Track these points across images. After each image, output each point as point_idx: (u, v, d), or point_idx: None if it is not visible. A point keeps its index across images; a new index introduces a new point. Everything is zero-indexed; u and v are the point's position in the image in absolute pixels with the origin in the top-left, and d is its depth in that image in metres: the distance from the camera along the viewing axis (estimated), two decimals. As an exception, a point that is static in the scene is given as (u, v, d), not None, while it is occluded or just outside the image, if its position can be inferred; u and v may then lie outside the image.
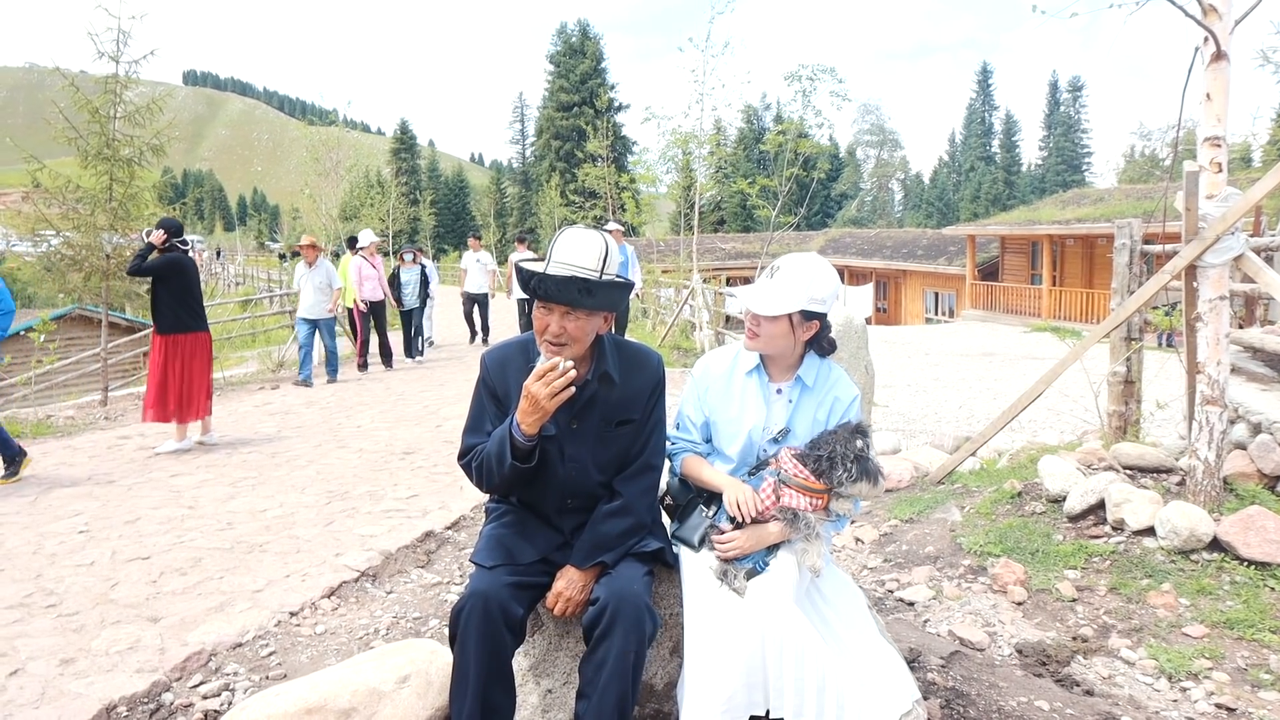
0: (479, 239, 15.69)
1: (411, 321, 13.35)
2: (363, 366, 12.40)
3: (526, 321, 11.22)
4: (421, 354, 13.48)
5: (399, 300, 13.13)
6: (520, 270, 2.38)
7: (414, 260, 13.53)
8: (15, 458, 6.15)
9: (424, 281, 13.38)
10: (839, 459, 2.39)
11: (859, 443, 2.41)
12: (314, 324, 10.95)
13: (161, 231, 7.00)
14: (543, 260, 2.39)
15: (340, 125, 30.38)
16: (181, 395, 6.97)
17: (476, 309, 15.29)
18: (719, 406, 2.65)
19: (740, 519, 2.45)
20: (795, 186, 19.76)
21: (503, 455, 2.35)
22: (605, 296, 2.34)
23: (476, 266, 15.02)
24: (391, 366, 12.56)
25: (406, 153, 76.20)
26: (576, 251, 2.34)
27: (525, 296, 9.69)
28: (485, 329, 15.33)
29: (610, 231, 11.94)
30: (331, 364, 11.34)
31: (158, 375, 6.97)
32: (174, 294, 6.98)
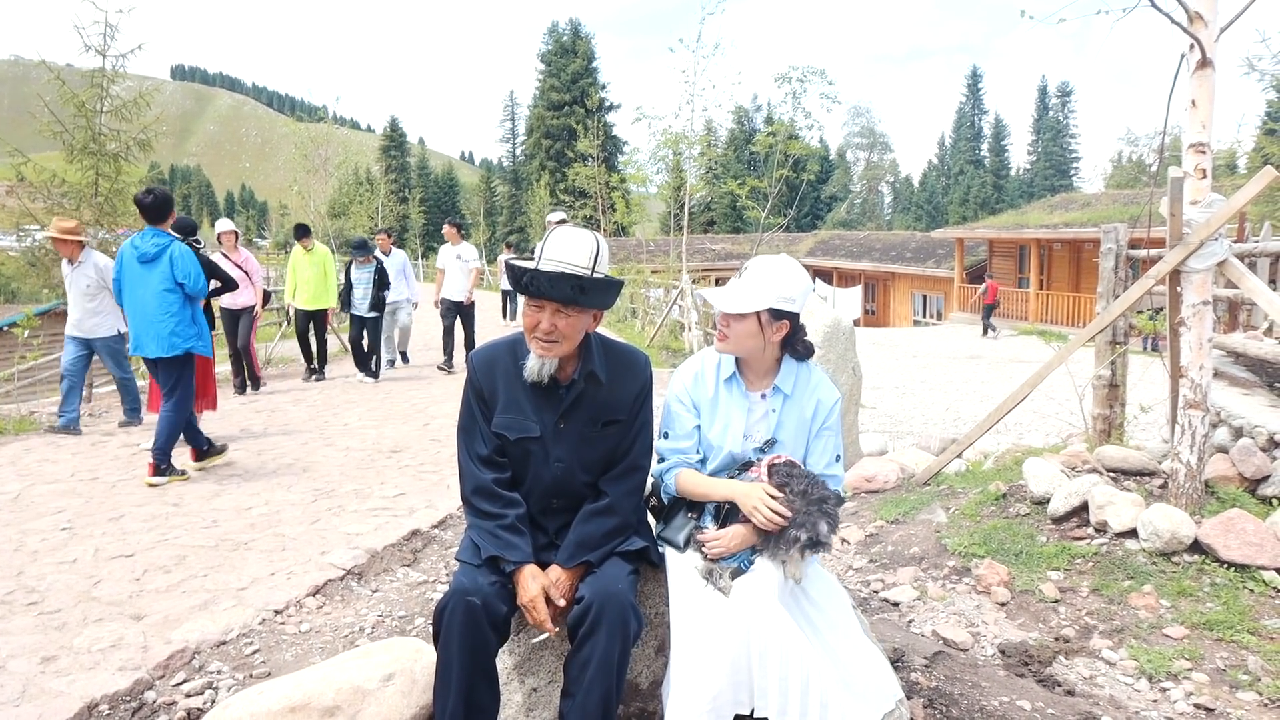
0: (459, 228, 11.96)
1: (365, 333, 10.82)
2: (240, 388, 9.97)
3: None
4: (376, 376, 10.95)
5: (346, 304, 10.84)
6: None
7: (368, 258, 10.83)
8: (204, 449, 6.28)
9: (379, 284, 10.73)
10: (798, 525, 2.37)
11: (821, 531, 2.37)
12: (87, 344, 7.61)
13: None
14: (531, 258, 2.40)
15: (329, 122, 30.18)
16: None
17: (459, 322, 11.60)
18: (702, 417, 2.65)
19: (772, 524, 2.38)
20: (785, 188, 19.81)
21: (486, 551, 2.42)
22: (597, 294, 2.37)
23: (456, 265, 11.41)
24: (245, 392, 9.99)
25: (396, 150, 76.01)
26: (568, 249, 2.35)
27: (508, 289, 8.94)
28: (470, 345, 11.50)
29: (560, 223, 10.78)
30: (128, 399, 8.03)
31: None
32: None
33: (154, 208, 5.90)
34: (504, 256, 19.56)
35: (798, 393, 2.61)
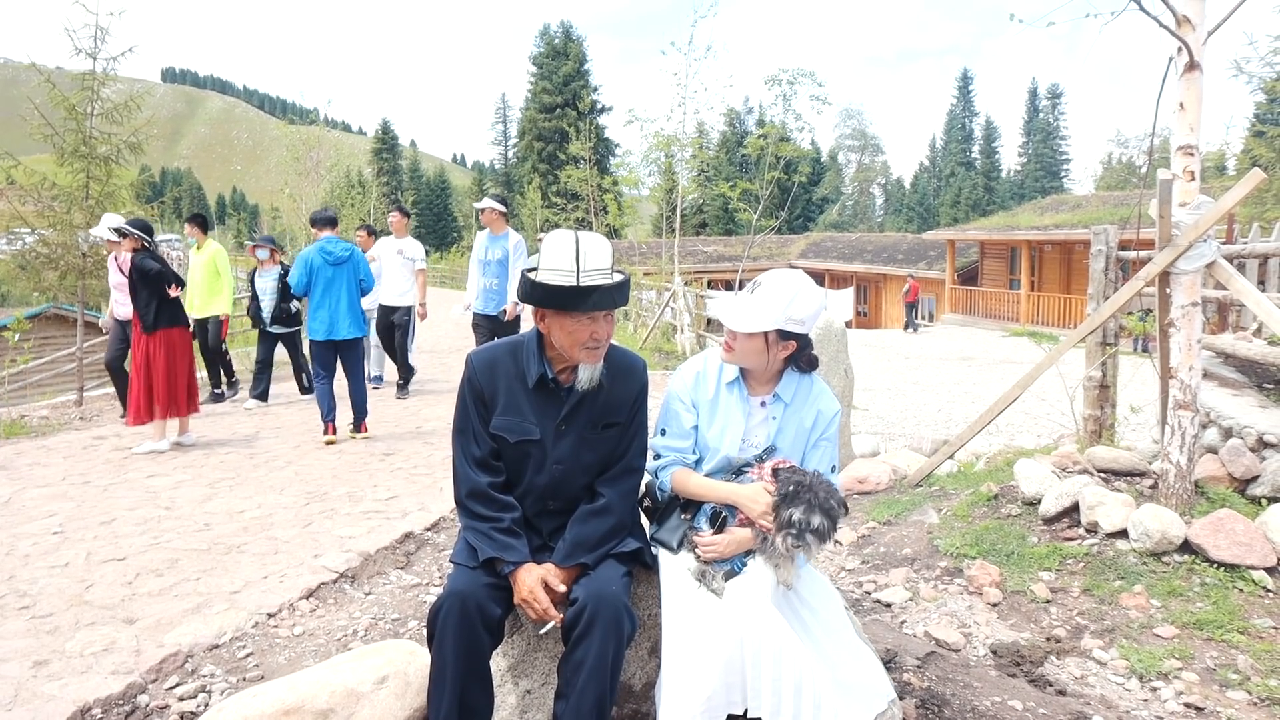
0: (406, 216, 9.93)
1: (272, 350, 9.41)
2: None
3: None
4: (307, 389, 9.41)
5: (255, 318, 9.49)
6: (564, 289, 2.33)
7: (271, 258, 9.41)
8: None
9: (287, 291, 9.15)
10: (787, 520, 2.35)
11: (814, 518, 2.33)
12: None
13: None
14: (558, 271, 2.37)
15: (321, 124, 30.08)
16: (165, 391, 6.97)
17: (397, 335, 9.58)
18: (701, 419, 2.66)
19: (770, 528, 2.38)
20: (776, 190, 19.87)
21: (483, 553, 2.42)
22: (630, 292, 2.46)
23: (396, 262, 9.46)
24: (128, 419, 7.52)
25: (388, 153, 75.87)
26: (604, 256, 2.39)
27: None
28: (406, 367, 9.71)
29: (483, 211, 8.19)
30: None
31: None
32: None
33: (332, 220, 7.53)
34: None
35: (798, 402, 2.62)
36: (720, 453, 2.60)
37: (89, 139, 9.67)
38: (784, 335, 2.52)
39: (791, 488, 2.37)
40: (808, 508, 2.33)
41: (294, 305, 9.44)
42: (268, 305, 9.33)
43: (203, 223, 9.37)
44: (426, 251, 10.96)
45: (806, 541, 2.33)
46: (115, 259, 7.98)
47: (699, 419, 2.65)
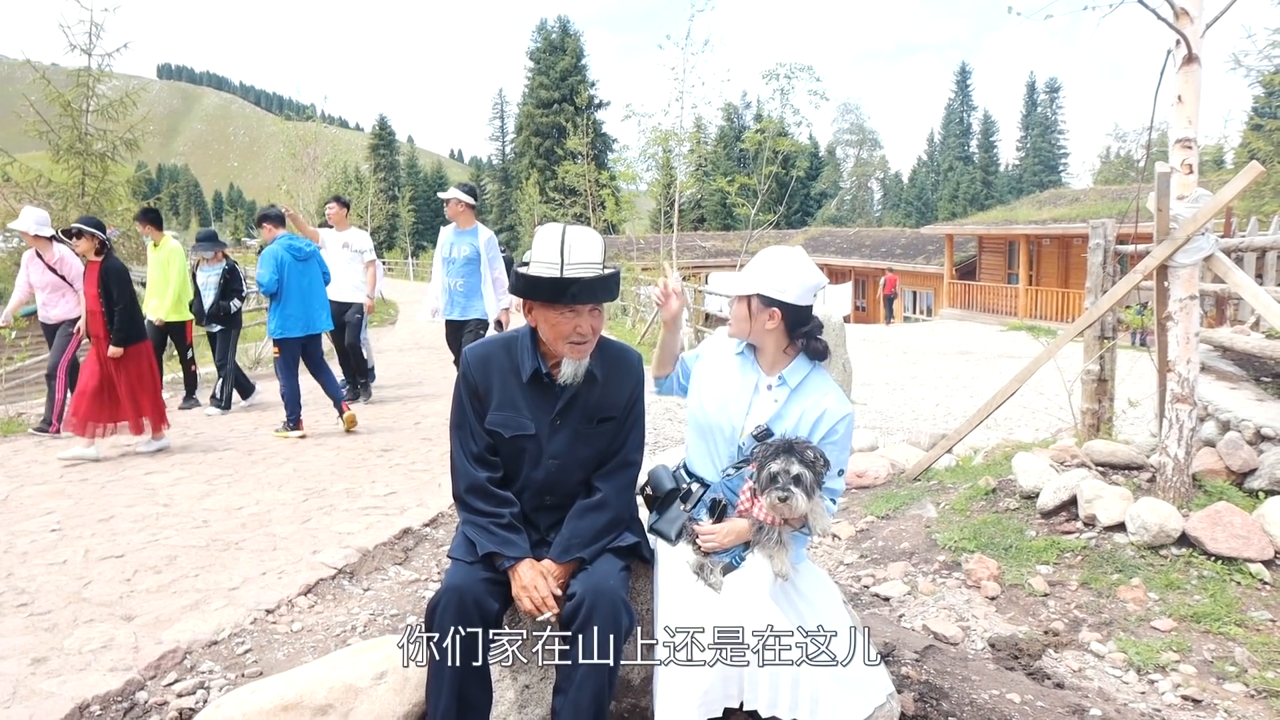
0: (345, 206, 9.28)
1: (214, 349, 8.82)
2: (52, 428, 7.53)
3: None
4: (224, 405, 8.57)
5: (198, 315, 8.70)
6: (544, 280, 2.34)
7: (216, 255, 8.77)
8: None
9: (224, 289, 8.59)
10: (770, 475, 2.39)
11: (793, 466, 2.37)
12: None
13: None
14: (525, 264, 2.43)
15: (317, 120, 30.07)
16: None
17: (348, 333, 9.00)
18: (708, 383, 2.71)
19: (663, 297, 2.64)
20: (774, 185, 19.84)
21: (483, 547, 2.42)
22: (617, 288, 2.48)
23: (343, 256, 8.84)
24: (54, 430, 7.50)
25: (385, 149, 75.71)
26: (591, 249, 2.38)
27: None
28: (365, 371, 9.34)
29: (449, 202, 7.46)
30: None
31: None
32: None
33: (281, 218, 7.60)
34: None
35: (804, 391, 2.61)
36: (722, 424, 2.61)
37: (85, 135, 9.68)
38: (766, 302, 2.56)
39: (765, 446, 2.45)
40: (785, 458, 2.39)
41: (234, 304, 8.77)
42: (206, 302, 8.65)
43: (156, 219, 8.59)
44: (425, 247, 10.96)
45: (793, 492, 2.36)
46: (38, 255, 7.54)
47: (703, 381, 2.74)
